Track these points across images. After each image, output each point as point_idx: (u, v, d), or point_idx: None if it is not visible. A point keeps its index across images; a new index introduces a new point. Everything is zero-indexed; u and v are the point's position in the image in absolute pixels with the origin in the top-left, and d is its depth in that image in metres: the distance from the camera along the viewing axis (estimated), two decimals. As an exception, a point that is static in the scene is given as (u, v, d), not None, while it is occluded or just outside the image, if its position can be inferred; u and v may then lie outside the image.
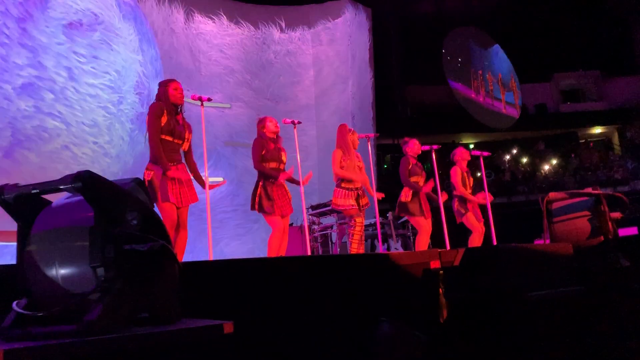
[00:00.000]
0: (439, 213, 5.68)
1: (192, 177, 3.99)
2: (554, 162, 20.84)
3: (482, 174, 6.36)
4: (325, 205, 8.34)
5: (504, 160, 21.07)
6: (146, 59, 9.99)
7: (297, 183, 4.79)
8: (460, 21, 20.13)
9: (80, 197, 1.48)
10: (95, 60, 9.22)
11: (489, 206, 6.13)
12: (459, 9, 18.94)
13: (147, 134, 3.72)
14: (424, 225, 5.62)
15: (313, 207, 8.68)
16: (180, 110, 3.96)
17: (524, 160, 21.41)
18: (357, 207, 4.96)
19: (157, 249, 1.48)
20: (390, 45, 16.82)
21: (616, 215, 3.67)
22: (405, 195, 5.64)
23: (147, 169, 3.75)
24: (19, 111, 8.15)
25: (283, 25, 12.32)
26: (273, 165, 4.54)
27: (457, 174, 6.05)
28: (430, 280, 2.72)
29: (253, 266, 2.53)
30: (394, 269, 2.66)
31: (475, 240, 5.94)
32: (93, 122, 9.07)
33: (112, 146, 9.25)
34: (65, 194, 1.55)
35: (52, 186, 1.45)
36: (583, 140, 22.59)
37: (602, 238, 3.51)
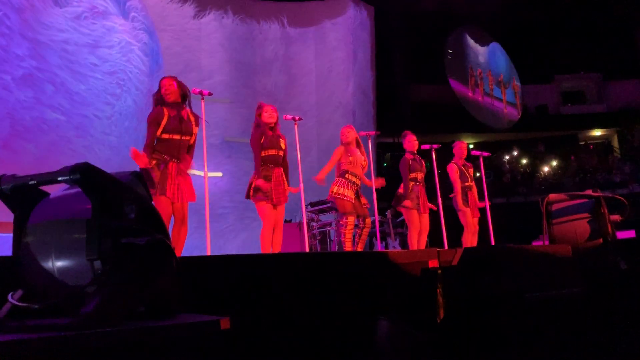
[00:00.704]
0: (438, 212, 5.68)
1: (190, 175, 3.96)
2: (554, 163, 20.84)
3: (482, 175, 6.36)
4: (324, 202, 8.32)
5: (504, 161, 21.06)
6: (147, 52, 9.96)
7: (294, 191, 4.72)
8: (463, 20, 20.09)
9: (78, 189, 1.46)
10: (96, 52, 9.19)
11: (487, 208, 6.13)
12: (462, 8, 18.89)
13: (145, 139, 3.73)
14: (415, 221, 5.58)
15: (312, 204, 8.67)
16: (185, 104, 3.89)
17: (524, 161, 21.41)
18: (352, 202, 4.93)
19: (155, 242, 1.47)
20: (392, 43, 16.79)
21: (615, 217, 3.67)
22: (405, 188, 5.63)
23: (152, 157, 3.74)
24: (18, 102, 8.13)
25: (286, 21, 12.29)
26: (272, 152, 4.48)
27: (454, 170, 6.05)
28: (429, 280, 2.71)
29: (251, 262, 2.52)
30: (392, 267, 2.65)
31: (468, 238, 5.94)
32: (93, 114, 9.05)
33: (112, 138, 9.23)
34: (63, 186, 1.54)
35: (50, 177, 1.43)
36: (583, 143, 22.58)
37: (601, 240, 3.51)
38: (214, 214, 9.82)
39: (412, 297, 2.69)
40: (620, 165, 19.96)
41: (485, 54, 21.29)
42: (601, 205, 3.57)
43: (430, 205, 5.72)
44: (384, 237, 8.68)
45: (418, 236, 5.58)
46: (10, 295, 1.46)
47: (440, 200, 5.79)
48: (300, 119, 5.01)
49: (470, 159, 6.40)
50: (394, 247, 8.70)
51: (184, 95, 3.86)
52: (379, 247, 6.56)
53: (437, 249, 2.87)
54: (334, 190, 4.97)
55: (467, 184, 6.06)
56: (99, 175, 1.43)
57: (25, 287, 1.47)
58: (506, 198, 18.75)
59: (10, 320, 1.41)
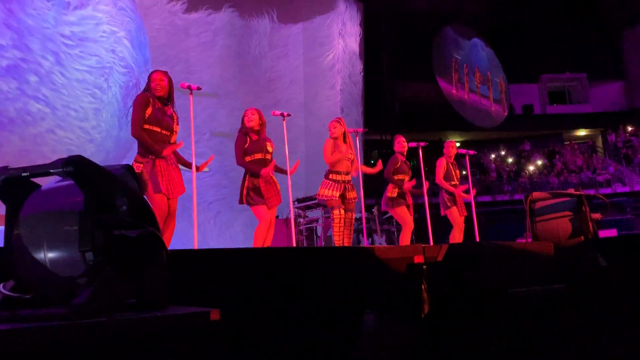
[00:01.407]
0: (423, 209, 5.75)
1: (179, 167, 3.96)
2: (539, 162, 21.10)
3: (467, 172, 6.44)
4: (311, 198, 8.36)
5: (490, 159, 21.28)
6: (135, 45, 9.88)
7: (284, 172, 4.77)
8: (451, 20, 20.24)
9: (70, 182, 1.48)
10: (82, 44, 9.10)
11: (472, 203, 6.21)
12: (450, 8, 19.02)
13: (130, 124, 3.68)
14: (408, 221, 5.70)
15: (299, 200, 8.69)
16: (170, 101, 3.89)
17: (509, 160, 21.65)
18: (339, 200, 5.00)
19: (146, 235, 1.49)
20: (381, 40, 16.84)
21: (597, 216, 3.75)
22: (391, 191, 5.73)
23: (135, 161, 3.69)
24: (1, 93, 8.03)
25: (275, 16, 12.27)
26: (258, 156, 4.49)
27: (442, 165, 6.16)
28: (414, 275, 2.76)
29: (238, 256, 2.54)
30: (378, 262, 2.69)
31: (456, 236, 6.02)
32: (79, 106, 8.97)
33: (98, 131, 9.16)
34: (54, 178, 1.55)
35: (43, 169, 1.44)
36: (568, 142, 22.91)
37: (582, 238, 3.59)
38: (199, 208, 9.81)
39: (397, 292, 2.74)
40: (604, 165, 20.29)
41: (473, 53, 21.46)
42: (583, 204, 3.65)
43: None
44: (370, 234, 8.74)
45: (411, 235, 5.71)
46: (1, 285, 1.47)
47: (426, 198, 5.86)
48: (288, 115, 5.03)
49: (458, 160, 6.48)
50: (380, 243, 8.76)
51: (171, 93, 3.87)
52: (365, 243, 6.60)
53: (423, 245, 2.91)
54: (320, 193, 5.08)
55: (452, 183, 6.14)
56: (92, 168, 1.44)
57: (17, 278, 1.48)
58: (492, 196, 18.98)
59: (2, 311, 1.42)
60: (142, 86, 3.96)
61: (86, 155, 1.46)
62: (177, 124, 3.91)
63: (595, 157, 21.13)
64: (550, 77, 23.06)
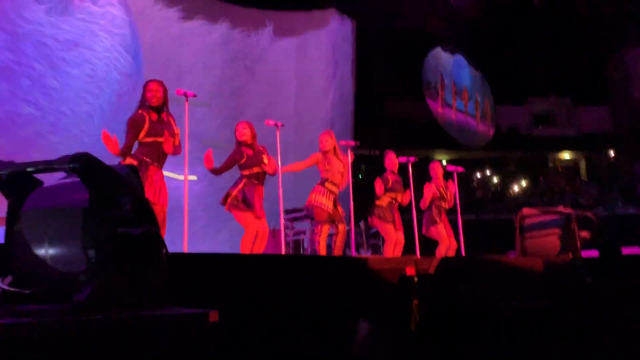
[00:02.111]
0: (412, 225, 5.76)
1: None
2: (524, 183, 21.34)
3: (455, 189, 6.47)
4: (298, 210, 8.33)
5: (475, 178, 21.47)
6: (128, 51, 9.88)
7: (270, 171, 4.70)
8: (440, 40, 20.57)
9: (75, 179, 1.48)
10: (76, 49, 9.06)
11: (459, 220, 6.24)
12: (438, 28, 19.35)
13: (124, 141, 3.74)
14: (392, 235, 5.66)
15: (287, 212, 8.66)
16: (164, 108, 3.94)
17: (495, 179, 21.87)
18: (329, 212, 4.97)
19: (149, 233, 1.50)
20: (372, 58, 17.01)
21: (585, 234, 3.81)
22: (382, 200, 5.69)
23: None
24: (-8, 94, 7.96)
25: (268, 29, 12.35)
26: (257, 169, 4.53)
27: (430, 190, 6.07)
28: (405, 287, 2.78)
29: (229, 262, 2.54)
30: (371, 273, 2.71)
31: (442, 252, 6.00)
32: (71, 111, 8.91)
33: (88, 136, 9.08)
34: (58, 175, 1.55)
35: (49, 165, 1.45)
36: (552, 164, 23.20)
37: (570, 255, 3.65)
38: (183, 219, 9.72)
39: (388, 303, 2.75)
40: (587, 188, 20.57)
41: (461, 73, 21.78)
42: (571, 221, 3.71)
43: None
44: (356, 247, 8.74)
45: (393, 248, 5.65)
46: (0, 280, 1.47)
47: (414, 213, 5.86)
48: (282, 125, 5.06)
49: (445, 175, 6.49)
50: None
51: (166, 101, 3.92)
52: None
53: (415, 257, 2.94)
54: (313, 198, 4.99)
55: (444, 203, 6.11)
56: (98, 165, 1.45)
57: (17, 273, 1.47)
58: (476, 214, 19.10)
59: (1, 305, 1.41)
60: (135, 92, 4.01)
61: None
62: (177, 126, 3.96)
63: (578, 179, 21.42)
64: (537, 99, 23.41)
